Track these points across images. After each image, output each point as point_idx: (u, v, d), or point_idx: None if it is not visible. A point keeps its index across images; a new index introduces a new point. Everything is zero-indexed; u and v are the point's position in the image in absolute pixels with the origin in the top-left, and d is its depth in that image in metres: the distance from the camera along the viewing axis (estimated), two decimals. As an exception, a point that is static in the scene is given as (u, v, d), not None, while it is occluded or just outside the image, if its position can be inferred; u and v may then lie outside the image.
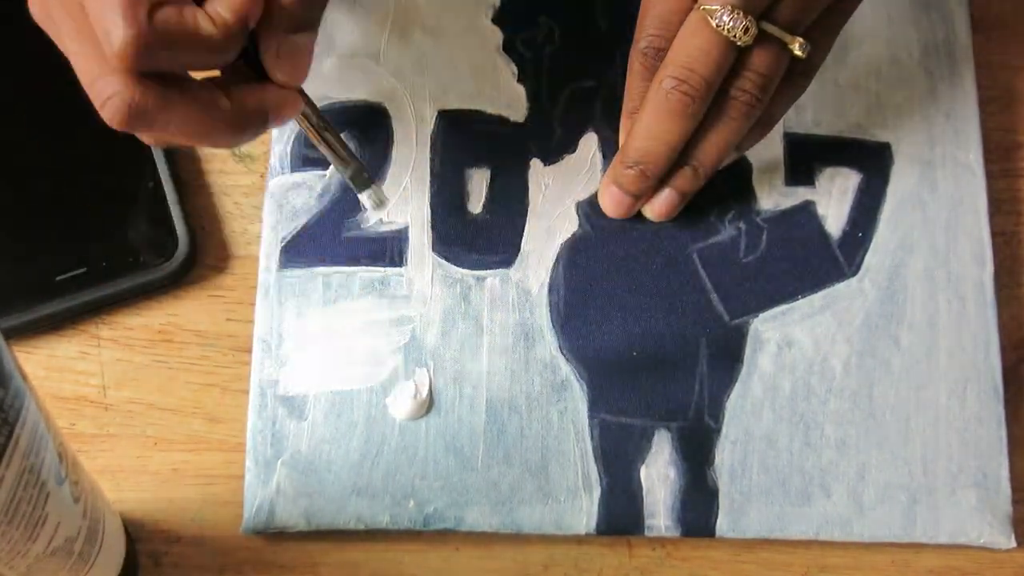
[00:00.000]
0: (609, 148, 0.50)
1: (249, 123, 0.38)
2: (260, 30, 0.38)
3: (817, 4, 0.43)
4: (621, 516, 0.46)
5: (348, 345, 0.47)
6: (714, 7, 0.42)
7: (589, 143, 0.50)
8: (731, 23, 0.42)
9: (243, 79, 0.39)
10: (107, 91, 0.35)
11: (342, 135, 0.49)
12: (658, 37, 0.44)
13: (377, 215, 0.48)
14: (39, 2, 0.38)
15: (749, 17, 0.42)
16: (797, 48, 0.43)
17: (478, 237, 0.48)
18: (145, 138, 0.39)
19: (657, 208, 0.47)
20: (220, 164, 0.50)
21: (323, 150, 0.43)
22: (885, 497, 0.46)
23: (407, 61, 0.51)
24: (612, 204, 0.47)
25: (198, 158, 0.50)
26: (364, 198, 0.45)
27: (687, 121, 0.44)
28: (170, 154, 0.49)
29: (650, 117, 0.44)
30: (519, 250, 0.48)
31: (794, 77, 0.45)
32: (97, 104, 0.36)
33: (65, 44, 0.37)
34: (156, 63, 0.35)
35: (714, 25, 0.42)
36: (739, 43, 0.42)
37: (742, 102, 0.44)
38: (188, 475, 0.47)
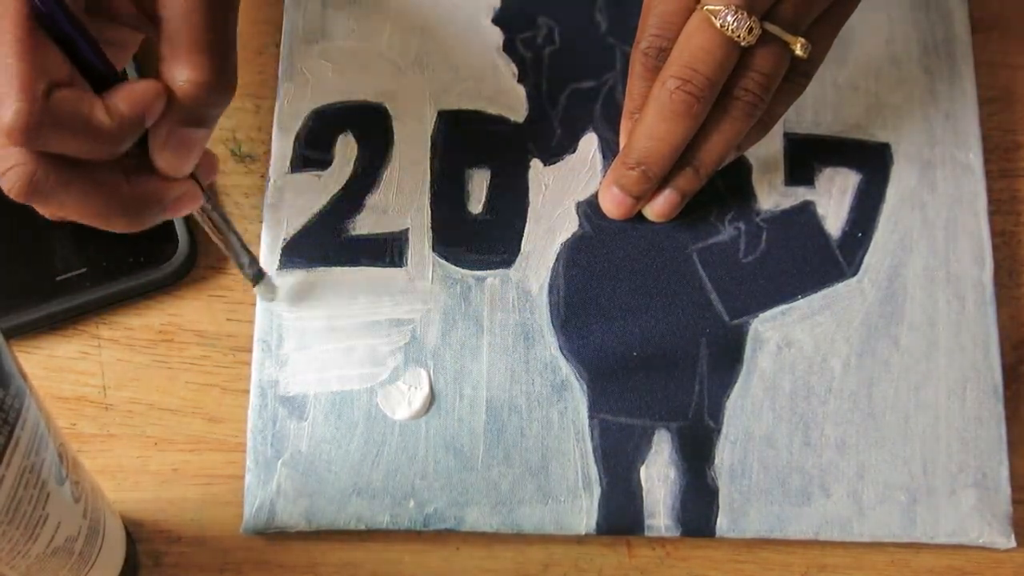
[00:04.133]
0: (609, 148, 0.50)
1: (147, 211, 0.38)
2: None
3: (818, 4, 0.43)
4: (621, 516, 0.46)
5: (348, 345, 0.47)
6: (717, 7, 0.42)
7: (589, 143, 0.50)
8: (735, 23, 0.41)
9: (147, 165, 0.38)
10: (7, 162, 0.35)
11: (341, 136, 0.49)
12: (660, 37, 0.44)
13: (269, 297, 0.48)
14: None
15: (753, 17, 0.42)
16: (799, 48, 0.43)
17: (478, 237, 0.49)
18: (41, 210, 0.38)
19: (658, 208, 0.48)
20: (220, 164, 0.50)
21: (217, 241, 0.44)
22: (885, 497, 0.46)
23: (407, 62, 0.51)
24: (613, 205, 0.47)
25: (198, 158, 0.50)
26: (256, 291, 0.47)
27: (690, 121, 0.44)
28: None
29: (653, 117, 0.44)
30: (519, 250, 0.48)
31: (794, 77, 0.45)
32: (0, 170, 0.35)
33: None
34: (46, 144, 0.34)
35: (718, 25, 0.42)
36: (742, 43, 0.42)
37: (745, 102, 0.44)
38: (188, 475, 0.47)
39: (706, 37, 0.42)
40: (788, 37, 0.43)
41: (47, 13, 0.34)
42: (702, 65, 0.42)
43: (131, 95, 0.35)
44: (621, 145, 0.48)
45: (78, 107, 0.34)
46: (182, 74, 0.36)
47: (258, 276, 0.46)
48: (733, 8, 0.41)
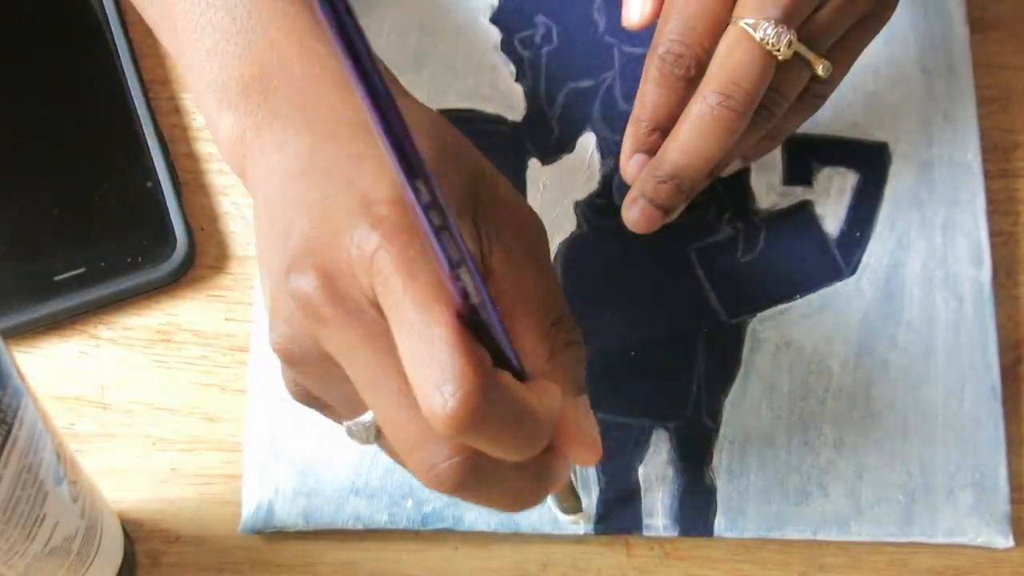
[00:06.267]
0: (607, 148, 0.50)
1: (552, 482, 0.34)
2: None
3: (843, 23, 0.43)
4: (619, 516, 0.46)
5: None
6: (755, 20, 0.41)
7: (587, 143, 0.50)
8: (775, 37, 0.40)
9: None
10: (438, 456, 0.31)
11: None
12: (679, 43, 0.42)
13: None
14: (291, 334, 0.32)
15: (792, 31, 0.41)
16: (820, 69, 0.42)
17: (476, 237, 0.48)
18: (459, 496, 0.33)
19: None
20: (219, 164, 0.50)
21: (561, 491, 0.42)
22: (883, 497, 0.46)
23: (404, 60, 0.51)
24: (642, 218, 0.44)
25: (197, 158, 0.50)
26: (567, 520, 0.45)
27: (729, 137, 0.42)
28: (168, 154, 0.49)
29: (691, 132, 0.42)
30: (517, 250, 0.48)
31: (809, 97, 0.44)
32: (422, 466, 0.31)
33: (362, 393, 0.32)
34: (483, 433, 0.29)
35: (758, 39, 0.41)
36: (780, 57, 0.41)
37: (759, 115, 0.43)
38: (187, 475, 0.47)
39: (746, 51, 0.41)
40: (812, 56, 0.42)
41: (481, 320, 0.30)
42: (744, 80, 0.41)
43: (544, 386, 0.32)
44: (624, 148, 0.47)
45: (518, 393, 0.30)
46: (553, 351, 0.34)
47: (577, 510, 0.45)
48: (773, 22, 0.41)
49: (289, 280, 0.31)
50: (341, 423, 0.35)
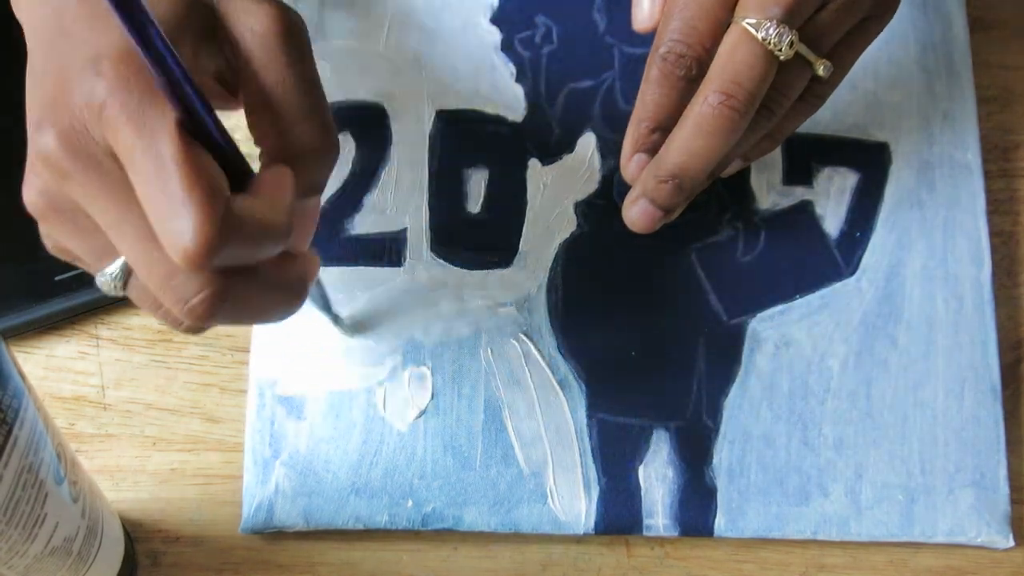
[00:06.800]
0: (608, 148, 0.50)
1: (301, 293, 0.36)
2: None
3: (844, 24, 0.43)
4: (619, 516, 0.46)
5: (346, 345, 0.47)
6: (757, 20, 0.41)
7: (587, 143, 0.50)
8: (776, 37, 0.40)
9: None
10: (187, 290, 0.32)
11: (340, 135, 0.49)
12: (681, 43, 0.42)
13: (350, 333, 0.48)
14: (40, 188, 0.34)
15: (793, 31, 0.41)
16: (821, 69, 0.42)
17: (476, 237, 0.49)
18: (203, 324, 0.35)
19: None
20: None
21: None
22: (883, 496, 0.46)
23: (405, 61, 0.51)
24: (643, 218, 0.44)
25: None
26: (339, 330, 0.47)
27: (730, 137, 0.42)
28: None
29: (691, 132, 0.42)
30: (517, 250, 0.48)
31: (809, 97, 0.44)
32: (175, 302, 0.33)
33: (98, 231, 0.34)
34: (227, 256, 0.32)
35: (760, 39, 0.41)
36: (782, 57, 0.41)
37: (760, 115, 0.43)
38: (187, 475, 0.47)
39: (748, 51, 0.41)
40: (812, 57, 0.42)
41: (200, 121, 0.32)
42: (746, 80, 0.41)
43: (276, 183, 0.34)
44: (625, 148, 0.47)
45: (253, 212, 0.32)
46: (298, 145, 0.35)
47: (337, 320, 0.46)
48: (775, 22, 0.40)
49: (35, 139, 0.33)
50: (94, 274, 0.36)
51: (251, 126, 0.36)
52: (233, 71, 0.36)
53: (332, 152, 0.36)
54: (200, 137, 0.32)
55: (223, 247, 0.31)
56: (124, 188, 0.32)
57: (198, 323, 0.33)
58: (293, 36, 0.36)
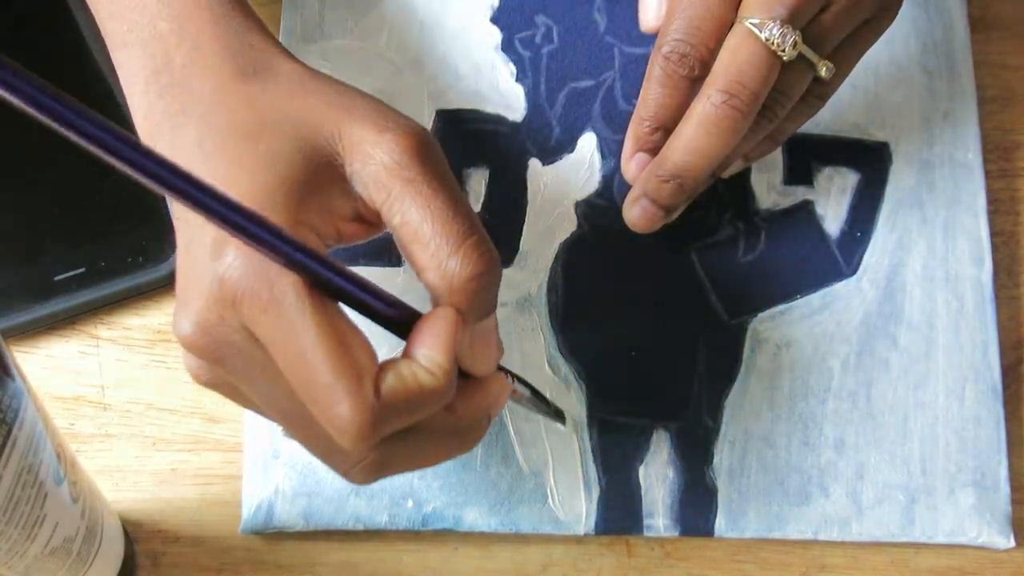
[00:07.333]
0: (608, 148, 0.50)
1: (479, 428, 0.36)
2: None
3: (846, 25, 0.43)
4: (620, 516, 0.46)
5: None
6: (760, 20, 0.41)
7: (588, 143, 0.50)
8: (780, 37, 0.40)
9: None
10: (349, 461, 0.33)
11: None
12: (684, 43, 0.42)
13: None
14: (194, 366, 0.34)
15: (797, 31, 0.41)
16: (823, 70, 0.42)
17: (477, 237, 0.48)
18: (388, 476, 0.35)
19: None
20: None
21: (517, 403, 0.43)
22: (884, 497, 0.46)
23: (405, 60, 0.51)
24: (644, 217, 0.44)
25: (197, 158, 0.50)
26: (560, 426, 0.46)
27: (733, 137, 0.42)
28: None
29: (694, 131, 0.42)
30: (518, 250, 0.48)
31: (811, 98, 0.44)
32: (338, 469, 0.34)
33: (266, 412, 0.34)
34: (386, 431, 0.32)
35: (763, 39, 0.41)
36: (784, 58, 0.41)
37: (761, 116, 0.43)
38: (187, 475, 0.47)
39: (751, 51, 0.41)
40: (815, 58, 0.42)
41: (328, 279, 0.31)
42: (749, 80, 0.41)
43: (437, 332, 0.32)
44: (626, 147, 0.47)
45: (407, 386, 0.31)
46: (459, 275, 0.33)
47: (560, 417, 0.45)
48: (778, 22, 0.40)
49: (178, 321, 0.33)
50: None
51: (406, 258, 0.34)
52: (368, 206, 0.34)
53: (496, 269, 0.34)
54: (342, 297, 0.32)
55: (379, 428, 0.31)
56: (270, 369, 0.32)
57: (365, 484, 0.34)
58: (428, 161, 0.34)
